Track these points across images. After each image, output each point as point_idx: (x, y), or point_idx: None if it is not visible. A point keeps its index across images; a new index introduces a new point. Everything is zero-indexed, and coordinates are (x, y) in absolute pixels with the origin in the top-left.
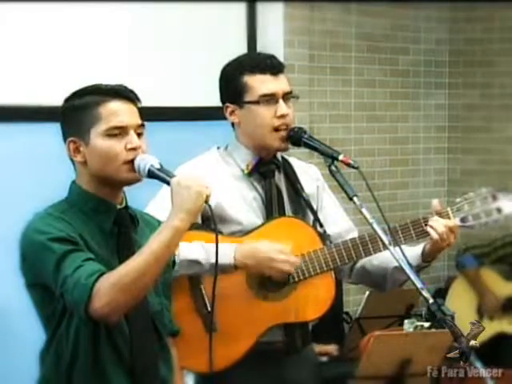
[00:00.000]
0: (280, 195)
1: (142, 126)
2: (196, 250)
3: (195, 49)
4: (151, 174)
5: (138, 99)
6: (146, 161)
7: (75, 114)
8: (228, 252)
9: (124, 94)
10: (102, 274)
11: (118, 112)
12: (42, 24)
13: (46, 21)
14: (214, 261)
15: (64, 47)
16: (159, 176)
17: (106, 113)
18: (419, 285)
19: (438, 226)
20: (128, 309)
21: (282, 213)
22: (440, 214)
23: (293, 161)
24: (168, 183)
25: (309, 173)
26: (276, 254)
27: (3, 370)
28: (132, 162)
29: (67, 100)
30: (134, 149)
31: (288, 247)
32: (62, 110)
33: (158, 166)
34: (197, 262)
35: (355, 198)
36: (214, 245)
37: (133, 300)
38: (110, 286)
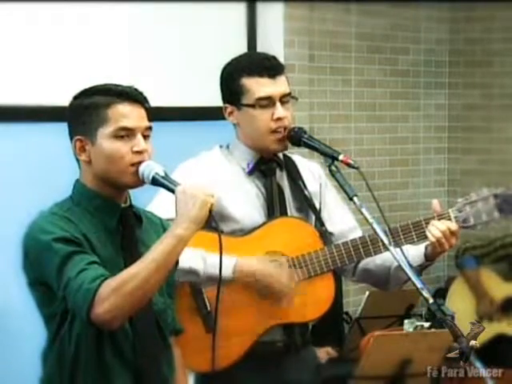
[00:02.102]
0: (281, 193)
1: (150, 128)
2: (195, 259)
3: (195, 49)
4: (155, 182)
5: (147, 101)
6: (151, 168)
7: (83, 113)
8: (227, 265)
9: (133, 96)
10: (105, 279)
11: (127, 114)
12: (42, 24)
13: (47, 21)
14: (211, 272)
15: (64, 47)
16: (163, 184)
17: (114, 115)
18: (419, 285)
19: (434, 231)
20: (130, 314)
21: (284, 210)
22: (441, 216)
23: (296, 159)
24: (173, 191)
25: (312, 171)
26: (274, 278)
27: (3, 370)
28: (138, 164)
29: (76, 98)
30: (140, 152)
31: (286, 268)
32: (70, 107)
33: (163, 174)
34: (194, 272)
35: (355, 198)
36: (213, 255)
37: (135, 306)
38: (112, 292)
